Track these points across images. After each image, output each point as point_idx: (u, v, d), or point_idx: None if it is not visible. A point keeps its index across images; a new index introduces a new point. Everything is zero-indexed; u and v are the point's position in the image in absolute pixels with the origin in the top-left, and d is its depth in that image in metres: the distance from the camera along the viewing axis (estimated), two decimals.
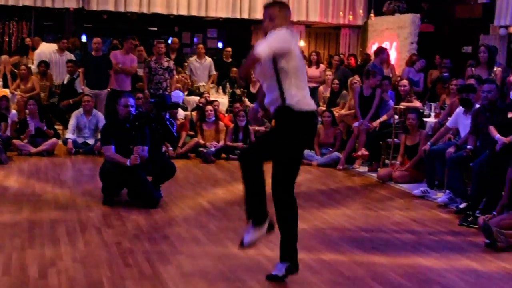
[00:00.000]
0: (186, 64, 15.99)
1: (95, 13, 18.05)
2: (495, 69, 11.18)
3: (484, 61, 11.01)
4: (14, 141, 11.90)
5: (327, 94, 14.45)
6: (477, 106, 9.30)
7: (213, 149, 12.26)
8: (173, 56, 15.10)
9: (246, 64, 5.43)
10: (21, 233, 6.85)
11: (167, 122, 9.16)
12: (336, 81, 14.16)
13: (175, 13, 17.52)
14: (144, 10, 17.24)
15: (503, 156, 8.12)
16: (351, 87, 12.88)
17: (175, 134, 9.69)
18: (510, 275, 6.21)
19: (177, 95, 13.13)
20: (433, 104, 12.06)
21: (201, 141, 12.49)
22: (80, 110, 12.64)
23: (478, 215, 7.95)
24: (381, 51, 13.79)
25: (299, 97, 5.31)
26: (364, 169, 11.69)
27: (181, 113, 13.14)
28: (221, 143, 12.59)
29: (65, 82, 14.28)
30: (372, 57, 14.78)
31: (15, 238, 6.66)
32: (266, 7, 5.50)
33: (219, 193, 9.35)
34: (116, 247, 6.48)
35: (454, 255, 6.78)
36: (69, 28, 18.04)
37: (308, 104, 5.39)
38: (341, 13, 18.46)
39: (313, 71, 15.55)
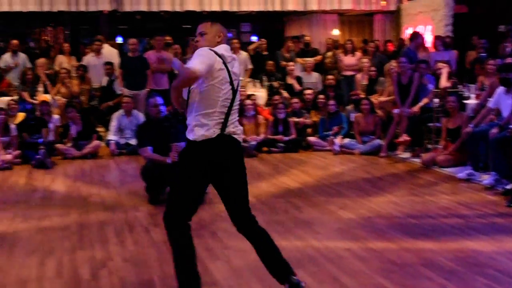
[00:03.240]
0: None
1: (128, 14, 18.15)
2: None
3: None
4: (58, 145, 12.03)
5: (365, 82, 14.36)
6: None
7: (254, 143, 12.27)
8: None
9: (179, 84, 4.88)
10: (71, 236, 6.93)
11: None
12: (373, 68, 14.08)
13: (207, 9, 17.51)
14: (177, 8, 17.26)
15: None
16: (389, 73, 12.79)
17: None
18: None
19: None
20: (472, 86, 11.91)
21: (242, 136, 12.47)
22: (121, 111, 12.73)
23: None
24: (416, 36, 13.64)
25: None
26: (407, 155, 11.60)
27: None
28: (262, 136, 12.60)
29: (104, 84, 14.37)
30: (407, 42, 14.64)
31: (65, 241, 6.74)
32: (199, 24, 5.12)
33: (263, 187, 9.35)
34: (164, 246, 6.49)
35: (504, 237, 6.69)
36: (104, 30, 18.15)
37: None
38: None
39: (349, 59, 15.50)
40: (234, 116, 4.93)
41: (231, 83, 4.83)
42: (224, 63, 4.80)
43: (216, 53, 4.79)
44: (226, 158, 4.88)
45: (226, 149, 4.87)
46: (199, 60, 4.70)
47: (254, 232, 5.07)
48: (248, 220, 5.03)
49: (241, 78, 15.00)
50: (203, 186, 5.01)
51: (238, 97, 4.93)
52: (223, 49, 4.91)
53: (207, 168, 4.83)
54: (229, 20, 20.49)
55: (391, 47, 16.39)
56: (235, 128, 4.90)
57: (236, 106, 4.92)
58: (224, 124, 4.82)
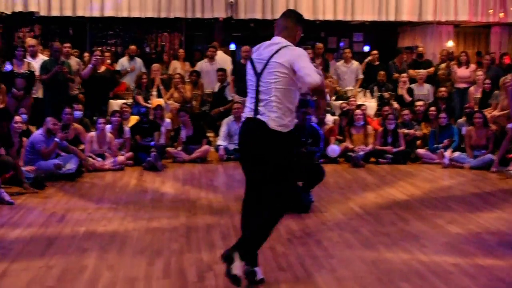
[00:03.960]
0: (332, 69, 15.98)
1: (242, 22, 18.36)
2: None
3: None
4: (168, 149, 12.28)
5: (478, 95, 14.07)
6: None
7: (362, 153, 12.20)
8: (317, 61, 15.11)
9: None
10: (179, 238, 7.05)
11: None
12: (488, 81, 13.77)
13: (321, 18, 17.53)
14: None
15: None
16: (504, 87, 12.49)
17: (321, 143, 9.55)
18: None
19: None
20: None
21: (350, 146, 12.47)
22: (231, 117, 12.88)
23: None
24: None
25: None
26: None
27: (329, 118, 13.11)
28: (370, 146, 12.53)
29: (215, 90, 14.57)
30: None
31: (173, 242, 6.86)
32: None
33: (370, 197, 9.28)
34: (270, 251, 6.54)
35: None
36: (218, 37, 18.43)
37: None
38: (491, 10, 17.89)
39: (463, 72, 15.20)
40: (264, 99, 5.30)
41: (254, 68, 5.38)
42: (251, 57, 5.49)
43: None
44: (251, 141, 5.40)
45: (251, 132, 5.37)
46: None
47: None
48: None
49: (351, 88, 15.09)
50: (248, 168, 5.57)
51: (265, 80, 5.30)
52: (269, 41, 5.48)
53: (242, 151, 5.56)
54: (342, 29, 20.50)
55: (507, 60, 15.99)
56: (269, 114, 5.26)
57: (263, 88, 5.30)
58: (256, 108, 5.32)
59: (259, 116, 5.30)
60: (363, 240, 7.05)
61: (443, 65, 16.11)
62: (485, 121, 12.17)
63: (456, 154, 12.17)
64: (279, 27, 5.51)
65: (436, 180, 10.86)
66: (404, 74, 15.23)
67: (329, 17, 17.44)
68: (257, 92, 5.33)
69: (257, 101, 5.33)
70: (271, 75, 5.26)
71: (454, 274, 5.90)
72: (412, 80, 15.36)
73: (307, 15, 17.26)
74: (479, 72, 14.59)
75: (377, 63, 16.16)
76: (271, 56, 5.29)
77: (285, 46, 5.32)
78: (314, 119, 11.38)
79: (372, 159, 12.38)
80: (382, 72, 15.39)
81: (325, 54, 16.52)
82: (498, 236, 7.28)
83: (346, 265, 6.14)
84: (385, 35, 20.76)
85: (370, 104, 14.52)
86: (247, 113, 5.45)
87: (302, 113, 9.54)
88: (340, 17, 17.53)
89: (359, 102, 13.96)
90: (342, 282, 5.64)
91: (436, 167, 11.95)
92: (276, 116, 5.24)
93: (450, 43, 19.07)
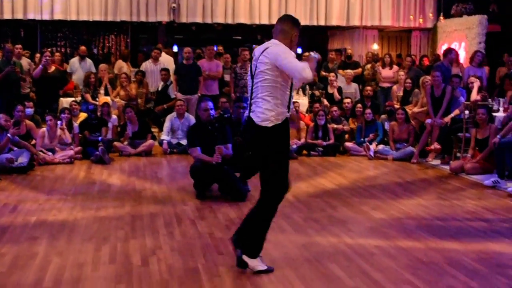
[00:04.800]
0: None
1: (184, 25, 18.28)
2: None
3: None
4: (115, 143, 12.19)
5: (401, 93, 14.29)
6: None
7: (295, 146, 12.29)
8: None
9: None
10: (124, 226, 7.02)
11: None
12: (409, 81, 13.98)
13: (257, 22, 17.57)
14: (229, 20, 17.35)
15: None
16: (423, 86, 12.71)
17: None
18: None
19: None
20: (501, 100, 11.78)
21: None
22: (174, 113, 12.84)
23: None
24: (449, 52, 13.48)
25: None
26: (437, 162, 11.52)
27: None
28: (302, 140, 12.64)
29: (159, 89, 14.50)
30: (441, 57, 14.52)
31: (119, 230, 6.83)
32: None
33: (302, 187, 9.35)
34: (209, 237, 6.57)
35: None
36: (162, 39, 18.33)
37: None
38: (411, 16, 18.20)
39: (387, 72, 15.42)
40: (255, 96, 5.27)
41: (251, 69, 5.36)
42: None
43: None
44: (248, 138, 5.39)
45: (245, 129, 5.41)
46: None
47: None
48: None
49: None
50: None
51: (257, 79, 5.26)
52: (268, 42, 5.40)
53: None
54: None
55: (426, 62, 16.26)
56: (255, 110, 5.26)
57: (254, 88, 5.28)
58: (250, 108, 5.32)
59: (251, 114, 5.30)
60: (295, 225, 7.11)
61: (368, 66, 16.30)
62: (406, 117, 12.36)
63: (380, 147, 12.34)
64: (275, 31, 5.42)
65: (362, 170, 11.00)
66: (333, 74, 15.38)
67: (265, 21, 17.49)
68: (251, 91, 5.31)
69: (250, 100, 5.32)
70: (259, 74, 5.23)
71: (376, 255, 6.01)
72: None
73: (244, 20, 17.36)
74: (401, 73, 14.81)
75: None
76: (259, 57, 5.26)
77: (272, 46, 5.26)
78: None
79: (304, 152, 12.47)
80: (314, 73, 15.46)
81: None
82: (417, 220, 7.42)
83: (279, 248, 6.20)
84: (316, 38, 20.94)
85: (302, 102, 14.61)
86: (247, 112, 5.44)
87: (237, 107, 9.62)
88: (274, 21, 17.33)
89: (292, 100, 14.00)
90: (275, 264, 5.68)
91: (362, 159, 12.10)
92: (260, 112, 5.21)
93: (375, 46, 19.29)
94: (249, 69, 5.43)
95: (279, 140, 5.30)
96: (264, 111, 5.20)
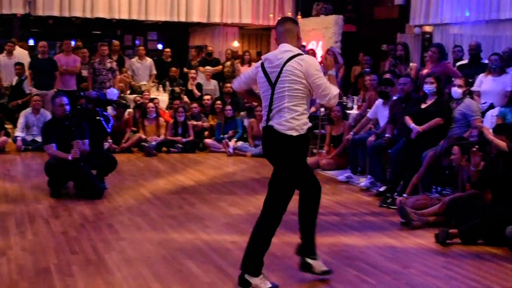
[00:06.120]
0: (127, 65, 15.88)
1: (41, 19, 17.76)
2: (410, 64, 11.42)
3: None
4: None
5: (259, 91, 14.46)
6: (394, 98, 9.47)
7: (154, 143, 12.23)
8: (114, 58, 14.93)
9: None
10: None
11: (101, 118, 9.12)
12: None
13: (117, 17, 17.33)
14: (88, 14, 17.00)
15: (418, 143, 8.30)
16: None
17: (109, 129, 9.54)
18: (423, 250, 6.37)
19: (112, 93, 12.64)
20: (355, 97, 12.21)
21: (143, 136, 12.46)
22: (29, 109, 12.46)
23: (396, 197, 8.09)
24: (307, 51, 13.83)
25: None
26: None
27: (110, 110, 12.92)
28: (162, 137, 12.59)
29: (13, 83, 14.03)
30: None
31: None
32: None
33: (160, 184, 9.33)
34: (63, 236, 6.43)
35: (374, 233, 6.92)
36: (17, 32, 17.70)
37: None
38: (271, 15, 18.52)
39: (246, 69, 15.59)
40: (276, 106, 5.05)
41: (267, 77, 5.10)
42: (262, 64, 5.15)
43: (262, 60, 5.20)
44: (268, 149, 5.18)
45: (265, 139, 5.17)
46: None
47: None
48: None
49: (144, 83, 15.06)
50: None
51: (279, 88, 5.03)
52: (278, 49, 5.19)
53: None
54: (138, 28, 20.39)
55: None
56: (279, 119, 5.03)
57: (277, 96, 5.04)
58: (268, 117, 5.08)
59: (270, 123, 5.04)
60: (152, 222, 7.09)
61: (228, 63, 16.45)
62: None
63: (240, 143, 12.50)
64: (283, 34, 5.21)
65: (221, 167, 11.09)
66: (193, 71, 15.42)
67: (124, 16, 17.28)
68: (271, 100, 5.05)
69: (269, 109, 5.06)
70: (285, 83, 4.99)
71: (231, 250, 6.09)
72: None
73: (103, 14, 17.08)
74: None
75: (169, 60, 16.25)
76: (285, 64, 5.02)
77: (297, 55, 5.06)
78: (111, 111, 11.30)
79: (164, 149, 12.42)
80: (173, 68, 15.50)
81: (124, 50, 16.36)
82: None
83: (135, 246, 6.15)
84: (177, 35, 20.92)
85: (162, 98, 14.56)
86: (263, 122, 5.13)
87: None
88: (134, 16, 17.41)
89: (152, 96, 13.94)
90: (130, 262, 5.65)
91: (222, 156, 12.21)
92: (285, 120, 4.99)
93: (236, 43, 19.51)
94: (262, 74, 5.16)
95: (301, 150, 5.18)
96: (290, 120, 5.00)
